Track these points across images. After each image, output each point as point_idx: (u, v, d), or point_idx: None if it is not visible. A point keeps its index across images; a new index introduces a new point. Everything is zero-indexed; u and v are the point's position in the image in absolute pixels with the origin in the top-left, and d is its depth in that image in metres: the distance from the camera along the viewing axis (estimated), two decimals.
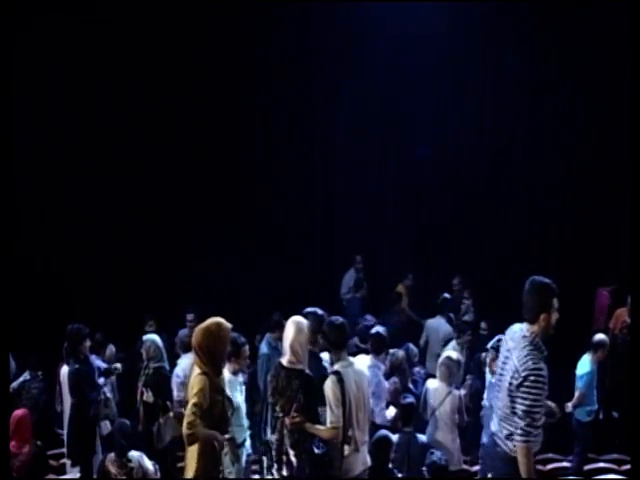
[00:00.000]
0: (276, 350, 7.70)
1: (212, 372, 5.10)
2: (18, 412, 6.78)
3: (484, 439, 7.11)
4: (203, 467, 5.08)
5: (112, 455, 6.39)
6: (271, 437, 5.54)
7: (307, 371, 5.48)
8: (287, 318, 5.69)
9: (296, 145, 12.24)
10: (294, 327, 5.50)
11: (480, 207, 12.16)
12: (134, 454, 6.44)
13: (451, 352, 7.37)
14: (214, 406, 5.07)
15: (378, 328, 7.13)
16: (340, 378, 5.44)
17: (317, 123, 12.41)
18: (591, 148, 11.75)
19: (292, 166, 12.24)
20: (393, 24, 11.80)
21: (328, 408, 5.42)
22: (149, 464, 6.44)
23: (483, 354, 8.19)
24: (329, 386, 5.43)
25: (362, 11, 11.76)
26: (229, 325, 5.23)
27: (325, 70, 12.29)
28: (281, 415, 5.44)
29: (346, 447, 5.50)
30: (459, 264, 11.85)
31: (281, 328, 6.41)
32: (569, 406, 7.86)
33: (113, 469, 6.36)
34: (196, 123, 11.78)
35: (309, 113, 12.34)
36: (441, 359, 7.14)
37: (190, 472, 5.12)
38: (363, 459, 5.68)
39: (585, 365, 7.84)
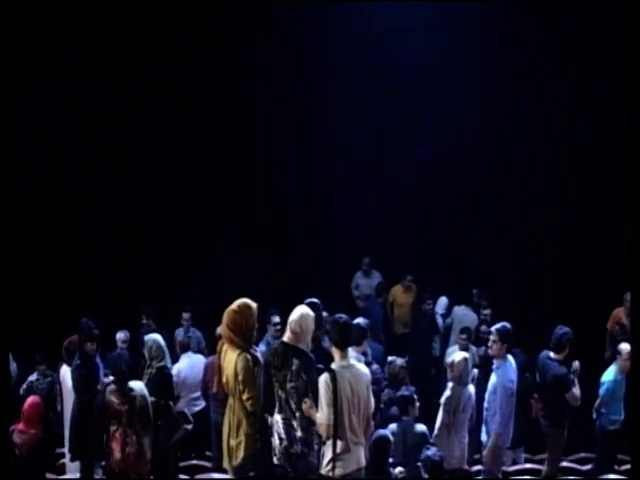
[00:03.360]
0: None
1: (248, 346, 5.61)
2: (33, 399, 7.00)
3: (484, 437, 7.13)
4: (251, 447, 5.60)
5: (113, 386, 6.54)
6: (277, 416, 5.68)
7: (307, 352, 5.71)
8: (285, 318, 5.90)
9: (295, 145, 12.23)
10: (299, 312, 5.79)
11: (480, 207, 12.17)
12: (135, 384, 6.58)
13: (458, 354, 7.36)
14: (257, 377, 5.62)
15: (359, 319, 7.13)
16: (333, 377, 5.50)
17: (316, 123, 12.39)
18: (592, 147, 11.72)
19: (291, 166, 12.24)
20: (392, 23, 11.76)
21: (319, 405, 5.53)
22: (148, 396, 6.60)
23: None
24: (321, 384, 5.53)
25: (361, 10, 11.74)
26: (255, 303, 5.74)
27: (325, 69, 12.26)
28: (283, 395, 5.61)
29: (339, 444, 5.56)
30: (459, 264, 11.86)
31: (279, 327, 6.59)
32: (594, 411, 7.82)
33: (115, 399, 6.48)
34: (194, 123, 11.77)
35: (308, 113, 12.32)
36: (454, 362, 7.13)
37: (240, 452, 5.60)
38: (357, 459, 5.71)
39: (609, 373, 7.78)
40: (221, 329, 5.93)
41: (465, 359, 7.13)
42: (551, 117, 11.89)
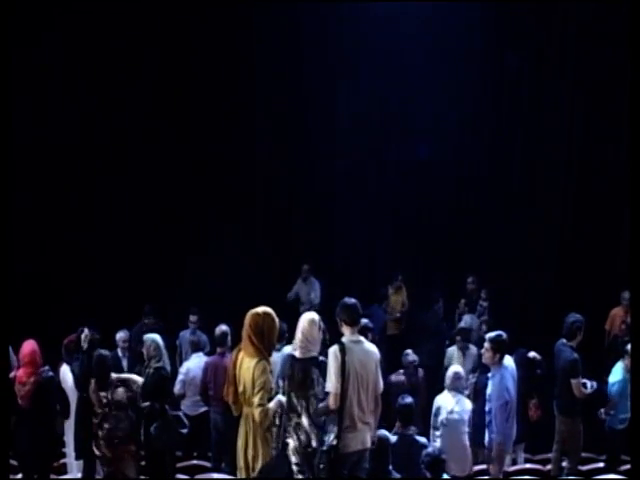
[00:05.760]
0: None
1: (267, 355, 5.48)
2: (30, 343, 6.98)
3: (487, 439, 7.11)
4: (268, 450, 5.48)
5: (93, 386, 6.61)
6: (300, 419, 5.63)
7: (321, 358, 5.69)
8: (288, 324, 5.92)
9: (296, 145, 12.23)
10: (307, 320, 5.74)
11: (480, 207, 12.18)
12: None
13: (453, 367, 7.36)
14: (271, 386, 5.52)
15: (363, 320, 7.17)
16: (342, 349, 5.58)
17: (316, 123, 12.41)
18: (592, 147, 11.73)
19: (292, 166, 12.26)
20: (392, 23, 11.77)
21: (328, 376, 5.58)
22: (123, 394, 6.67)
23: None
24: (330, 355, 5.60)
25: (361, 10, 11.74)
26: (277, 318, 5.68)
27: (324, 70, 12.27)
28: (304, 403, 5.56)
29: (345, 419, 5.58)
30: (458, 264, 11.85)
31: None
32: (602, 413, 7.78)
33: (93, 397, 6.59)
34: (195, 123, 11.77)
35: (308, 113, 12.34)
36: (448, 374, 7.17)
37: (258, 464, 5.45)
38: (362, 439, 5.73)
39: (617, 373, 7.73)
40: (243, 331, 5.75)
41: (456, 372, 7.14)
42: (551, 117, 11.90)
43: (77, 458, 7.18)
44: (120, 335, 9.00)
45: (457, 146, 12.36)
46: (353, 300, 5.85)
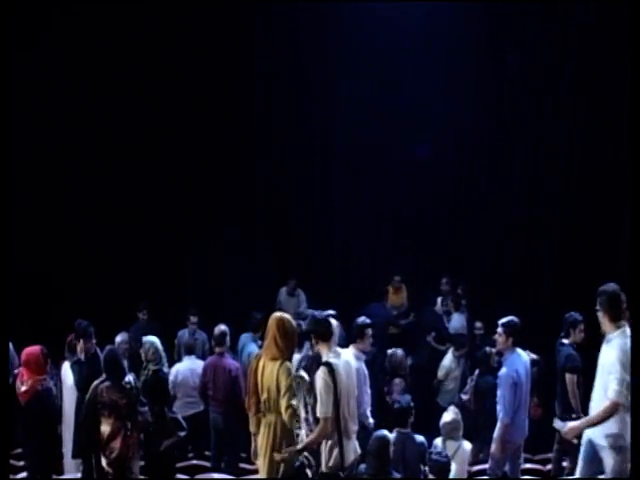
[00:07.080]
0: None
1: (290, 358, 5.55)
2: (33, 348, 6.95)
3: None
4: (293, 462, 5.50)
5: (107, 383, 6.41)
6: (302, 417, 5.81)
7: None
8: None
9: (295, 146, 12.23)
10: None
11: (479, 206, 12.18)
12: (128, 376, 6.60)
13: (447, 413, 7.32)
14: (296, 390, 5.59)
15: (360, 318, 7.15)
16: (331, 369, 5.62)
17: (316, 124, 12.40)
18: (592, 147, 11.72)
19: (291, 167, 12.25)
20: (392, 23, 11.77)
21: (319, 398, 5.60)
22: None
23: (487, 348, 8.16)
24: (320, 377, 5.62)
25: (362, 10, 11.74)
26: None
27: (324, 70, 12.26)
28: (311, 402, 5.76)
29: (342, 436, 5.67)
30: (454, 264, 11.86)
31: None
32: None
33: (111, 396, 6.38)
34: (195, 123, 11.77)
35: (308, 114, 12.32)
36: (443, 421, 7.08)
37: (281, 468, 5.47)
38: (354, 448, 5.89)
39: None
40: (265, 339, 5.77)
41: (454, 419, 7.13)
42: (551, 117, 11.89)
43: (74, 457, 7.19)
44: (122, 338, 8.85)
45: (457, 146, 12.37)
46: (324, 314, 5.92)
